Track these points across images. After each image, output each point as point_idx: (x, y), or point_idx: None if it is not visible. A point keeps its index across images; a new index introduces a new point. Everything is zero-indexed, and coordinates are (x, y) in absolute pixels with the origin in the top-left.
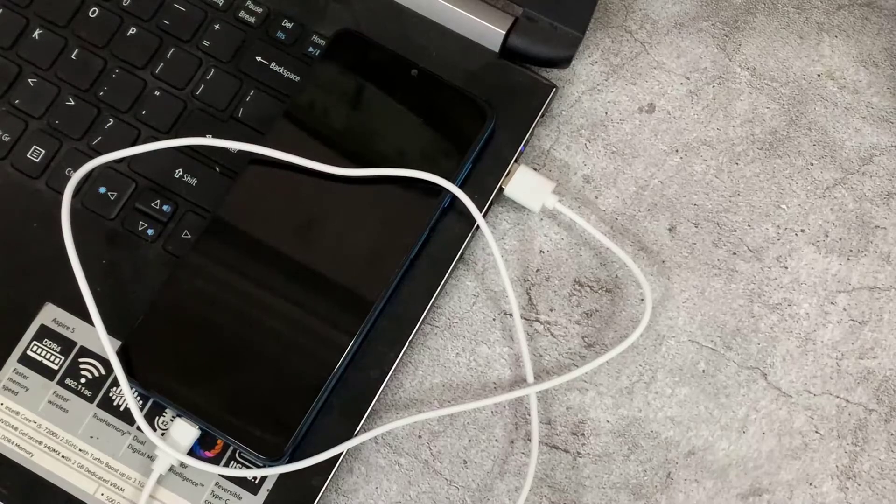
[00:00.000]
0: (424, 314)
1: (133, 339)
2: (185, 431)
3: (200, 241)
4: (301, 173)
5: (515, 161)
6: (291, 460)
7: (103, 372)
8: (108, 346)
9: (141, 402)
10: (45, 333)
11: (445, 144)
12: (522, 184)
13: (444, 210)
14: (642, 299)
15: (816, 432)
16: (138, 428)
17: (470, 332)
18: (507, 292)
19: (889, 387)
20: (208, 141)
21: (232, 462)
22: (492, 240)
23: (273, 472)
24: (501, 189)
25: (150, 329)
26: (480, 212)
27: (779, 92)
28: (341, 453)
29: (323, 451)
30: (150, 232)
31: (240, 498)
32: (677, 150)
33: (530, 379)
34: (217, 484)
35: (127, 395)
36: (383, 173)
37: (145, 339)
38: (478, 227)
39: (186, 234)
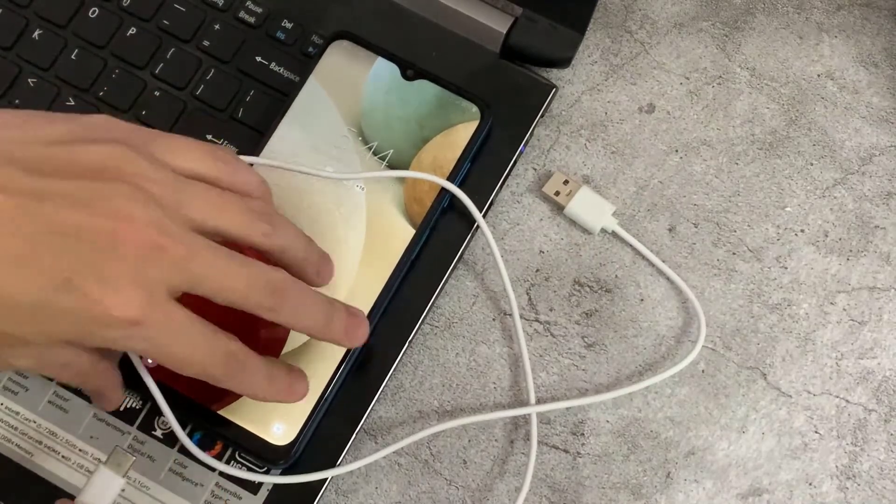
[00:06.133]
0: (424, 314)
1: None
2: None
3: None
4: (301, 173)
5: (515, 162)
6: (294, 462)
7: None
8: (144, 373)
9: (141, 402)
10: None
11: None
12: (583, 204)
13: (443, 210)
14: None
15: (816, 432)
16: (137, 428)
17: (470, 332)
18: (507, 292)
19: (889, 387)
20: None
21: (232, 462)
22: (492, 240)
23: (273, 479)
24: (560, 206)
25: None
26: (480, 212)
27: (779, 92)
28: (327, 478)
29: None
30: None
31: (240, 498)
32: (677, 150)
33: (532, 399)
34: (217, 484)
35: (170, 420)
36: (382, 175)
37: None
38: (478, 226)
39: None
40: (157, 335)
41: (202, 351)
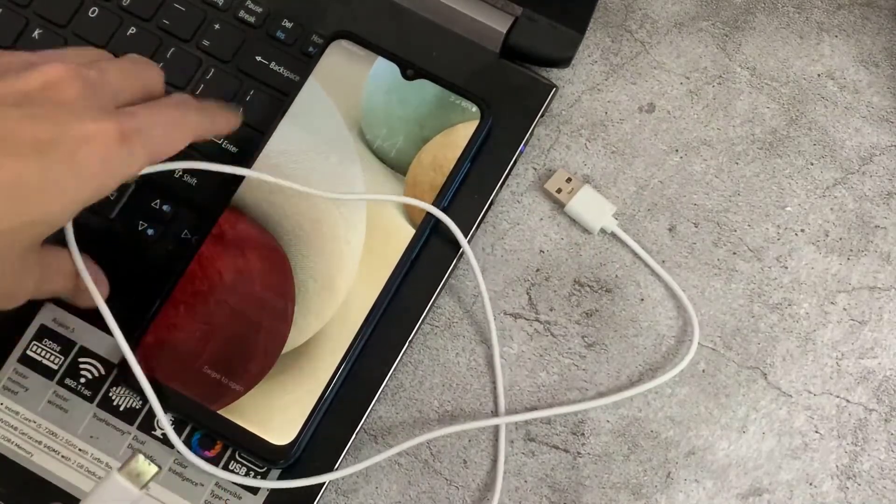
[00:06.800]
0: (424, 314)
1: (135, 342)
2: None
3: (202, 249)
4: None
5: (515, 162)
6: (294, 462)
7: (103, 372)
8: (134, 364)
9: (140, 402)
10: (44, 333)
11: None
12: (584, 203)
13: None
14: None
15: (816, 432)
16: (137, 428)
17: (470, 332)
18: (489, 321)
19: (889, 387)
20: (209, 166)
21: (232, 462)
22: (477, 269)
23: (272, 484)
24: (561, 204)
25: (154, 332)
26: (478, 213)
27: (779, 91)
28: (325, 482)
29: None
30: (150, 232)
31: (239, 498)
32: (677, 150)
33: (502, 409)
34: (217, 484)
35: (163, 422)
36: (369, 198)
37: (149, 342)
38: (478, 226)
39: (186, 234)
40: (147, 132)
41: (185, 116)
